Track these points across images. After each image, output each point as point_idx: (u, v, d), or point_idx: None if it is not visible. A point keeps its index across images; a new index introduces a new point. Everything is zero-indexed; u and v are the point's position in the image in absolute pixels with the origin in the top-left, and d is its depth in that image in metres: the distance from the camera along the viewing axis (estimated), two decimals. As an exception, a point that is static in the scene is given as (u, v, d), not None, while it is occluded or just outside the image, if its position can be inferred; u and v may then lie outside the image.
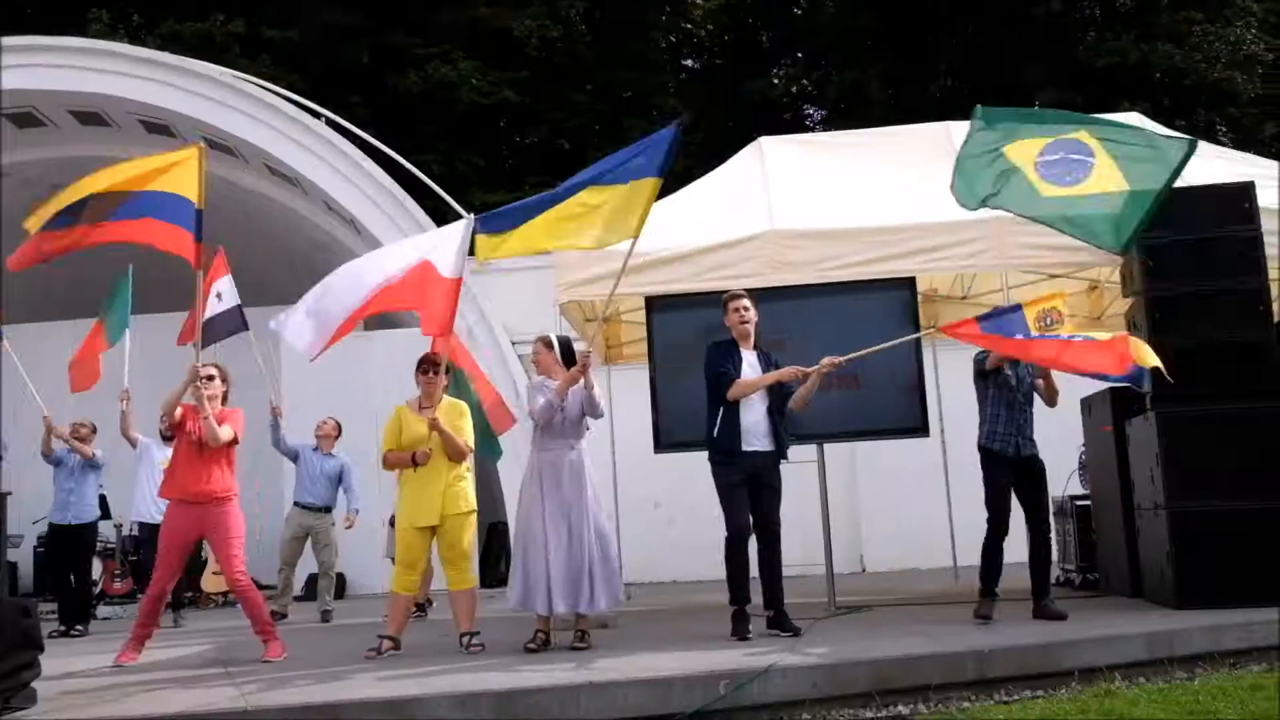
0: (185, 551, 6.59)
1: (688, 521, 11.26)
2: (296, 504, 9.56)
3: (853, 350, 6.55)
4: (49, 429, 8.87)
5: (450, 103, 21.33)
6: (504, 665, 5.46)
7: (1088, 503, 8.44)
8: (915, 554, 11.44)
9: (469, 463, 6.62)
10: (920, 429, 7.77)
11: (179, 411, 6.48)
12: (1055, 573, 7.65)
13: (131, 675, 5.89)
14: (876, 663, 5.04)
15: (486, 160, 22.41)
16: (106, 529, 12.04)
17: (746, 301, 6.46)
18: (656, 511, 11.89)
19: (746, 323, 6.41)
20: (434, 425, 6.28)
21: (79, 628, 9.04)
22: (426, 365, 6.51)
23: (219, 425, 6.41)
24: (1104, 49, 20.64)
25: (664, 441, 7.98)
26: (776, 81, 25.00)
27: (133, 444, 9.53)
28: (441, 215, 13.80)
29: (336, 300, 6.24)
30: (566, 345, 6.56)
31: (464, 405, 6.68)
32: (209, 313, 7.72)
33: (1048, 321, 6.12)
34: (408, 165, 13.74)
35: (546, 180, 20.40)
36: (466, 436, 6.50)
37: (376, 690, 4.88)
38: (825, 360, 6.32)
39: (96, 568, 11.81)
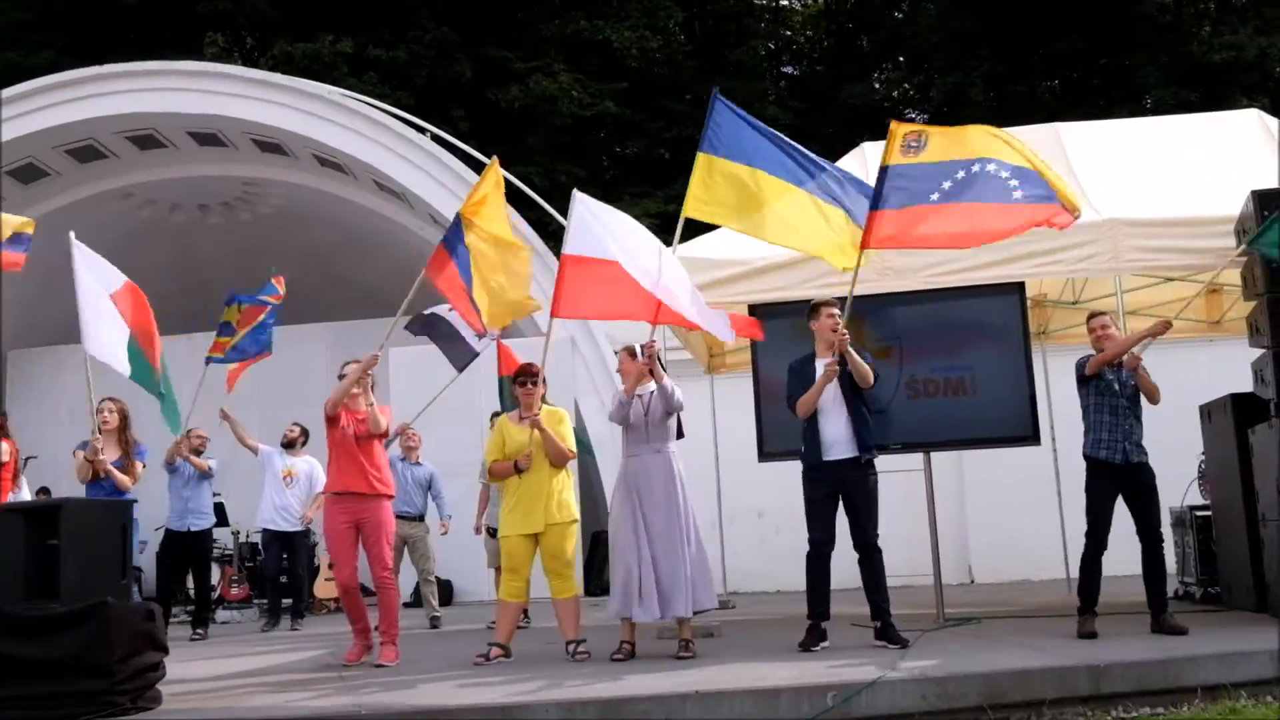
0: (353, 544, 6.68)
1: (792, 531, 11.07)
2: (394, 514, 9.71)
3: (961, 359, 6.44)
4: (179, 440, 9.17)
5: (551, 115, 21.59)
6: (610, 673, 5.49)
7: (1208, 513, 8.15)
8: (1025, 565, 11.19)
9: (571, 471, 6.66)
10: (1031, 437, 7.60)
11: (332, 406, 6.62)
12: (1174, 586, 7.42)
13: (249, 678, 6.06)
14: (988, 676, 4.94)
15: (587, 171, 22.61)
16: (224, 535, 12.44)
17: (837, 309, 6.38)
18: (760, 521, 11.83)
19: (837, 330, 6.32)
20: (535, 424, 6.34)
21: (199, 631, 9.33)
22: (524, 376, 6.58)
23: (382, 417, 6.61)
24: (1219, 43, 20.00)
25: (767, 450, 7.95)
26: (877, 86, 24.80)
27: (254, 451, 9.84)
28: (543, 226, 13.99)
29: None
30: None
31: (564, 412, 6.72)
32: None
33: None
34: (510, 177, 13.91)
35: (647, 190, 20.58)
36: (568, 442, 6.54)
37: (485, 696, 4.94)
38: (835, 337, 6.19)
39: (215, 573, 12.20)
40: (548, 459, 6.42)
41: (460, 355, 8.89)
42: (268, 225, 15.44)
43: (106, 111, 13.63)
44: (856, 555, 6.27)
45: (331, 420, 6.63)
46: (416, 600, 10.77)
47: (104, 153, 14.26)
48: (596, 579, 12.49)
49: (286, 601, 10.17)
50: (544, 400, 6.66)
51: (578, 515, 6.57)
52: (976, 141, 6.14)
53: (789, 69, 27.87)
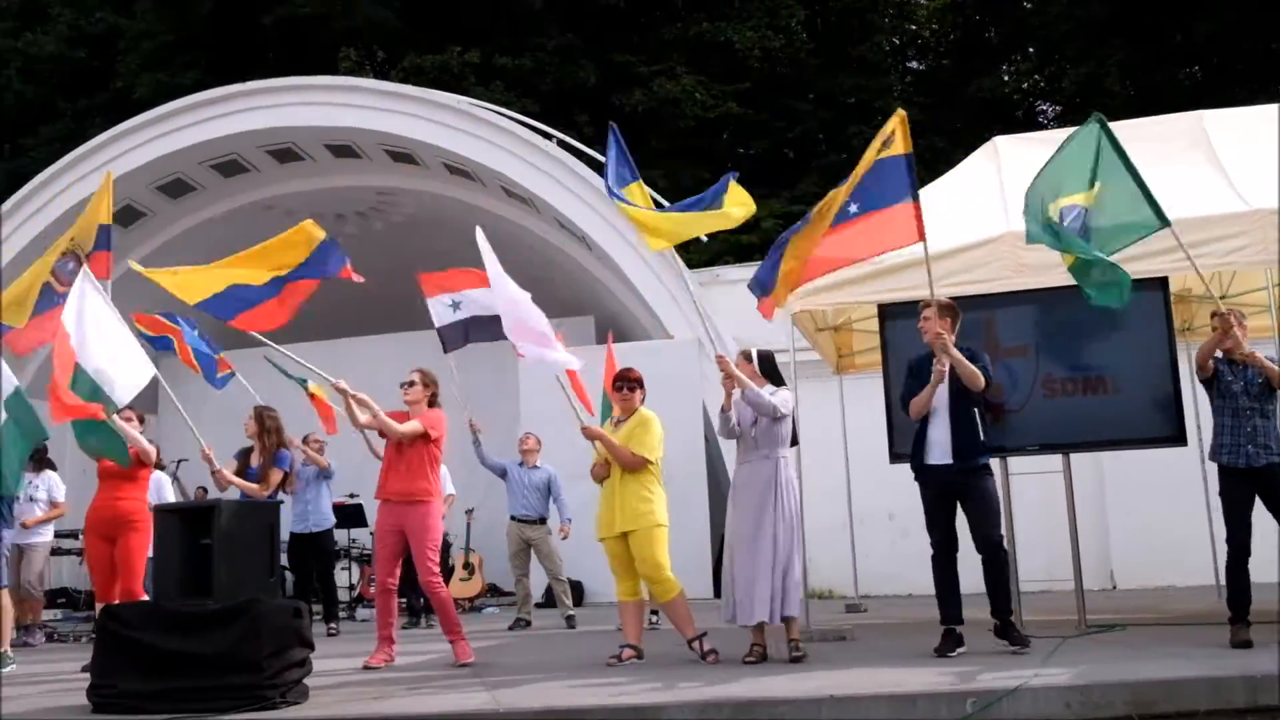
0: (395, 548, 6.79)
1: (921, 533, 10.94)
2: (513, 518, 9.82)
3: (1100, 357, 6.22)
4: (300, 446, 9.46)
5: (674, 118, 21.66)
6: (743, 675, 5.48)
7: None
8: (1170, 570, 10.78)
9: (655, 476, 6.58)
10: (1177, 438, 7.31)
11: (366, 418, 6.77)
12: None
13: (388, 675, 6.22)
14: (1135, 685, 4.77)
15: (711, 173, 22.55)
16: (364, 536, 12.79)
17: (927, 311, 6.24)
18: (891, 523, 11.64)
19: (924, 333, 6.20)
20: (588, 434, 6.44)
21: (332, 626, 9.62)
22: (620, 381, 6.66)
23: (402, 423, 6.69)
24: (1375, 23, 18.99)
25: (898, 452, 7.82)
26: (1006, 79, 24.20)
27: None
28: (668, 229, 13.98)
29: None
30: (767, 358, 6.54)
31: (650, 417, 6.62)
32: (441, 321, 8.05)
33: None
34: (636, 181, 14.00)
35: (771, 191, 20.47)
36: (644, 447, 6.46)
37: (619, 697, 4.98)
38: (935, 341, 6.04)
39: (354, 573, 12.58)
40: (619, 465, 6.45)
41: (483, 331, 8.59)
42: (400, 233, 15.84)
43: (248, 127, 14.19)
44: (979, 556, 6.13)
45: (381, 431, 6.82)
46: (549, 601, 10.91)
47: (246, 166, 14.83)
48: (727, 581, 12.46)
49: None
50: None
51: (662, 520, 6.46)
52: None
53: (914, 64, 27.41)
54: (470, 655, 6.66)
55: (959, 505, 6.17)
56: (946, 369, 6.03)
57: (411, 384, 6.90)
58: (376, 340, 14.73)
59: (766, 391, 6.23)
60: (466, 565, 12.69)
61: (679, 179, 20.97)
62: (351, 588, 12.52)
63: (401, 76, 20.20)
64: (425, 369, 7.09)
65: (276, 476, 8.01)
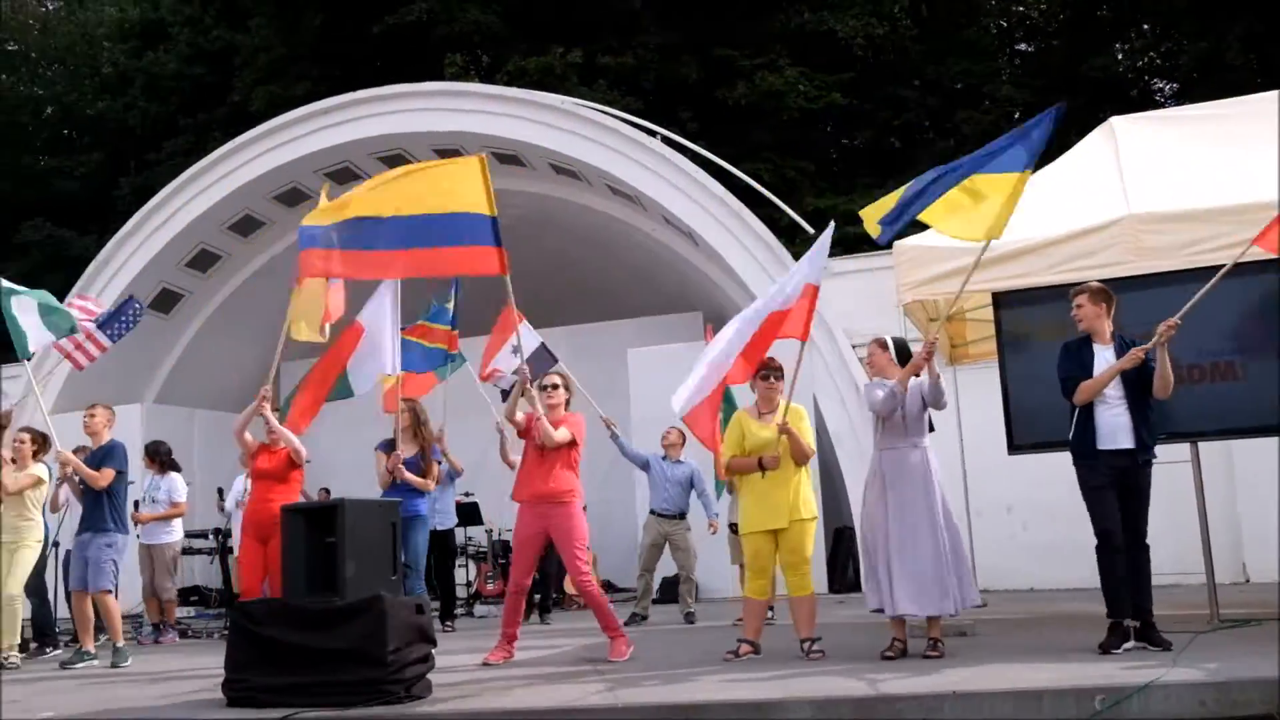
0: (536, 550, 6.89)
1: (1042, 526, 10.73)
2: (653, 512, 9.86)
3: (1228, 343, 6.00)
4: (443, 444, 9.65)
5: (777, 111, 21.51)
6: (859, 671, 5.42)
7: None
8: (1307, 562, 10.35)
9: (809, 468, 6.60)
10: (1311, 425, 7.01)
11: (522, 417, 6.82)
12: None
13: (507, 670, 6.31)
14: (1276, 682, 4.59)
15: (816, 165, 22.41)
16: (479, 534, 13.01)
17: (1080, 298, 6.09)
18: (1009, 515, 11.42)
19: (1081, 321, 6.05)
20: (784, 430, 6.33)
21: (447, 624, 9.79)
22: (767, 371, 6.58)
23: (554, 428, 6.71)
24: None
25: (1018, 443, 7.67)
26: (1120, 57, 23.45)
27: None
28: (774, 222, 13.95)
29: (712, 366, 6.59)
30: (901, 346, 6.46)
31: (803, 409, 6.64)
32: (508, 365, 8.16)
33: None
34: (740, 174, 13.98)
35: (877, 182, 20.19)
36: (808, 439, 6.50)
37: (738, 692, 4.97)
38: (1161, 327, 5.84)
39: (471, 570, 12.79)
40: (791, 457, 6.40)
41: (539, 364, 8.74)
42: (508, 234, 15.93)
43: (359, 135, 14.55)
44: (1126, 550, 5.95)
45: (523, 432, 6.84)
46: (663, 597, 10.94)
47: (358, 173, 15.16)
48: (840, 576, 12.36)
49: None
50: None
51: (817, 512, 6.50)
52: None
53: (1023, 46, 26.73)
54: (625, 654, 6.60)
55: (1119, 495, 5.96)
56: (1142, 356, 5.91)
57: (555, 386, 6.93)
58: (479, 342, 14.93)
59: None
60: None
61: (784, 172, 20.84)
62: (468, 585, 12.72)
63: (506, 80, 20.43)
64: (565, 372, 7.12)
65: (436, 470, 8.18)
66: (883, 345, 6.43)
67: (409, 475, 7.87)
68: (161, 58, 27.52)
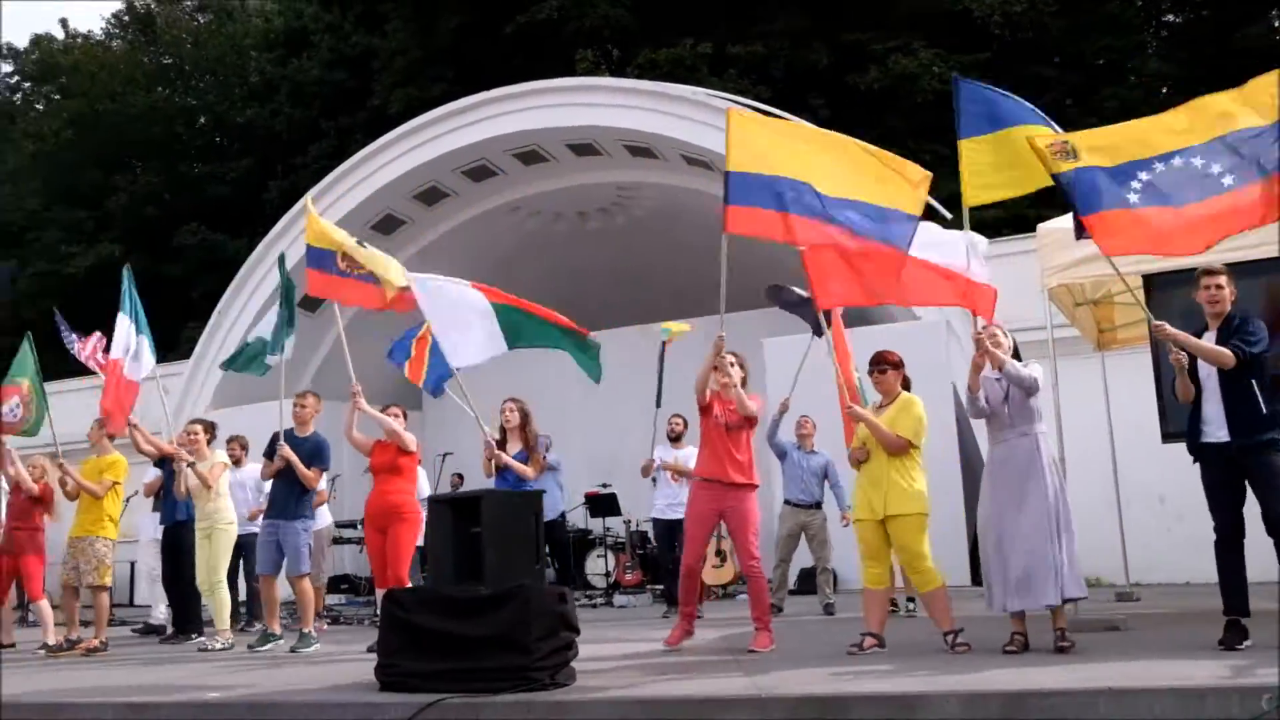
0: (709, 530, 6.92)
1: (1195, 518, 10.25)
2: (788, 502, 9.81)
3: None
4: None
5: (911, 94, 21.09)
6: (1007, 665, 5.29)
7: None
8: None
9: (917, 460, 6.41)
10: None
11: (709, 393, 6.80)
12: None
13: (648, 660, 6.36)
14: None
15: (951, 149, 21.85)
16: (617, 525, 13.13)
17: (1221, 279, 5.82)
18: (1162, 507, 11.00)
19: (1217, 302, 5.79)
20: (850, 412, 6.32)
21: None
22: (877, 364, 6.54)
23: (751, 403, 6.69)
24: None
25: (1170, 431, 7.38)
26: (1277, 25, 22.30)
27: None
28: (911, 208, 13.68)
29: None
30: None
31: (912, 399, 6.48)
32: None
33: None
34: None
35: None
36: (904, 430, 6.30)
37: (882, 685, 4.91)
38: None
39: (610, 560, 12.91)
40: (882, 448, 6.30)
41: (813, 317, 8.68)
42: (641, 227, 16.13)
43: (494, 133, 14.82)
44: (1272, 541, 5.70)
45: (704, 409, 6.80)
46: (801, 588, 10.88)
47: (494, 170, 15.47)
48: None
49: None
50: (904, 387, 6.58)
51: (925, 508, 6.30)
52: (1135, 140, 5.81)
53: (1170, 17, 25.64)
54: (769, 645, 6.59)
55: (1248, 486, 5.74)
56: (1184, 358, 5.74)
57: (732, 365, 6.86)
58: (620, 333, 15.05)
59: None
60: (719, 552, 12.79)
61: (919, 156, 20.38)
62: (607, 575, 12.86)
63: (637, 73, 20.54)
64: (739, 354, 7.02)
65: (541, 460, 8.32)
66: (1004, 333, 6.33)
67: (509, 460, 7.98)
68: (305, 65, 28.49)
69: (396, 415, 8.02)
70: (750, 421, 6.78)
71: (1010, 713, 4.46)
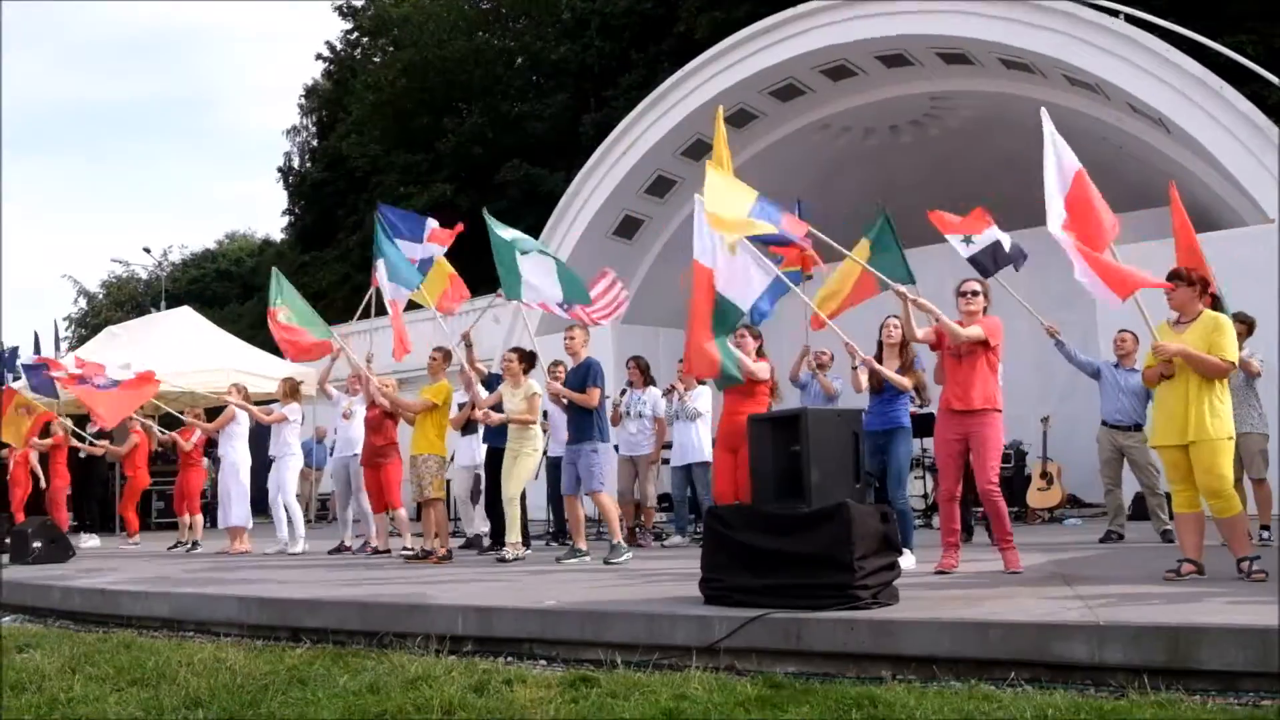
0: (959, 458, 6.91)
1: None
2: (1104, 423, 9.23)
3: None
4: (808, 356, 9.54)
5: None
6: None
7: None
8: None
9: (1224, 385, 6.02)
10: None
11: (924, 332, 6.98)
12: None
13: (970, 583, 6.22)
14: None
15: None
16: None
17: None
18: None
19: None
20: (1157, 351, 6.01)
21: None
22: (1175, 279, 6.21)
23: (963, 329, 6.76)
24: None
25: None
26: None
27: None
28: (1261, 99, 12.44)
29: None
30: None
31: (1224, 319, 6.09)
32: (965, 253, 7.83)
33: None
34: (1220, 48, 12.53)
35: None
36: (1225, 351, 5.94)
37: (1232, 616, 4.57)
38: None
39: (929, 482, 12.64)
40: (1199, 371, 5.93)
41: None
42: (957, 138, 15.49)
43: (802, 50, 14.62)
44: None
45: (932, 346, 6.98)
46: (1136, 513, 10.25)
47: (801, 89, 15.26)
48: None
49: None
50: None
51: (1229, 432, 5.95)
52: None
53: None
54: (1019, 565, 6.70)
55: None
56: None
57: (975, 293, 6.97)
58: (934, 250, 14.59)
59: None
60: (1044, 474, 12.28)
61: (1272, 42, 18.41)
62: (924, 496, 12.60)
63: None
64: (984, 280, 7.19)
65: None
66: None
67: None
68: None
69: (744, 337, 8.16)
70: (984, 345, 6.76)
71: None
